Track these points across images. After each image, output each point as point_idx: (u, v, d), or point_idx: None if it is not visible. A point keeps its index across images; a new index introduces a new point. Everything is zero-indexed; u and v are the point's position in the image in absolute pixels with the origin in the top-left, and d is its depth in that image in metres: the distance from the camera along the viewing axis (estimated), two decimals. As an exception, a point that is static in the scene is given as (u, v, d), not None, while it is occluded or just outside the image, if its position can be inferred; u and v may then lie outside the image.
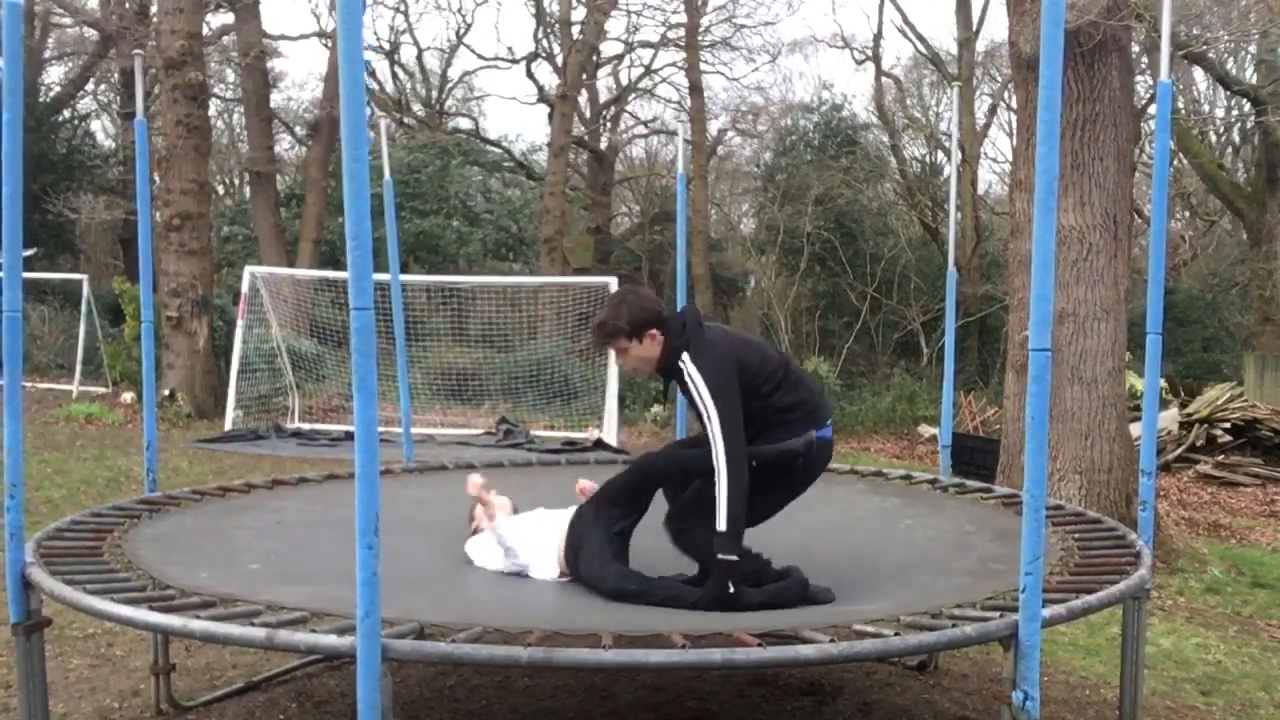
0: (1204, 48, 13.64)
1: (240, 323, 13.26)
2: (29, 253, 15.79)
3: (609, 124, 26.49)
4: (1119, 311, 6.70)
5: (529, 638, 2.56)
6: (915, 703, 4.09)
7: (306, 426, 13.11)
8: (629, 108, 26.98)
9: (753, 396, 3.38)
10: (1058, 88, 2.44)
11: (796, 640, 2.64)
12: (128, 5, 19.40)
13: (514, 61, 25.17)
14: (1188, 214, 22.92)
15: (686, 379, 3.37)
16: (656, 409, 15.19)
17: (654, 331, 3.47)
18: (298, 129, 25.58)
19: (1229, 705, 4.31)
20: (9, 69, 2.96)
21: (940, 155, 23.75)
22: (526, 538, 3.61)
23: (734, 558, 3.20)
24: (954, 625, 2.69)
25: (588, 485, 3.81)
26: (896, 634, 2.62)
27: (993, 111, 23.94)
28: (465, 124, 27.80)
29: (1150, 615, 5.15)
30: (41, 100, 23.37)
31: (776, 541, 3.53)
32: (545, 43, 24.40)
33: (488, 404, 14.70)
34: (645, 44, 24.48)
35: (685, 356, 3.39)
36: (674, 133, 24.51)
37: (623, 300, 3.55)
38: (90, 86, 25.66)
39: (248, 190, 21.28)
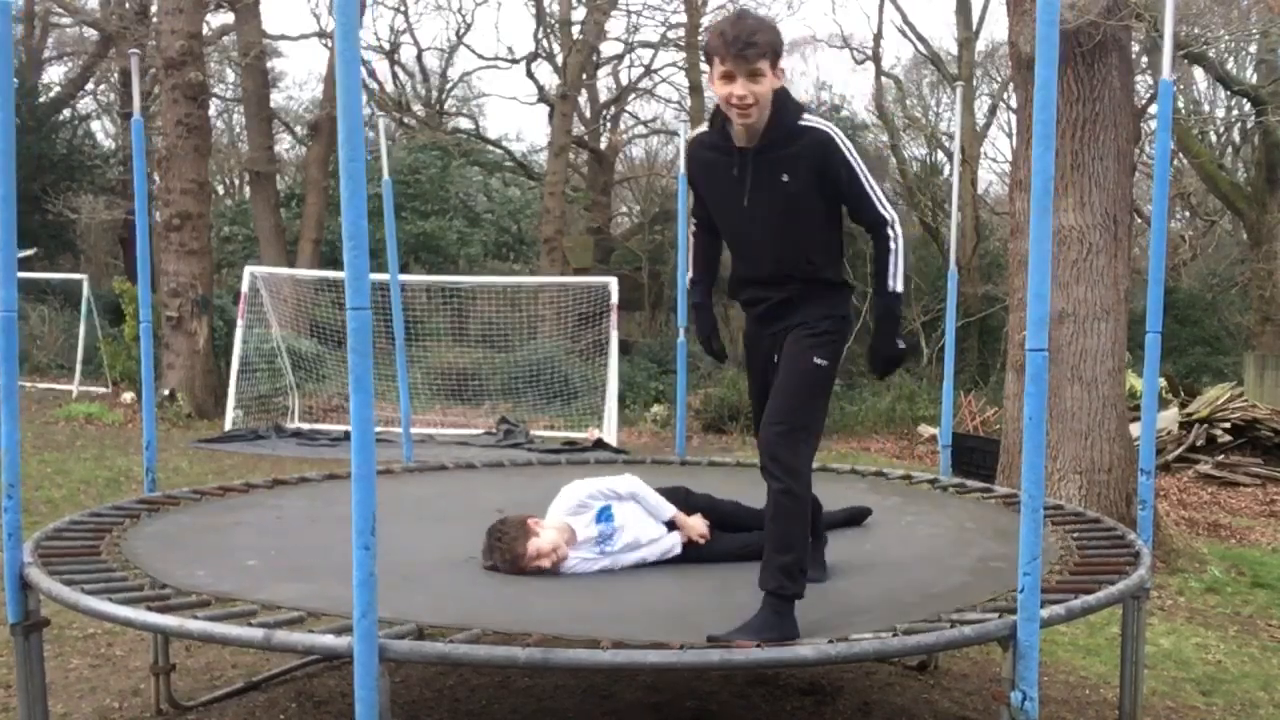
0: (1204, 48, 13.64)
1: (240, 323, 13.26)
2: (29, 253, 15.79)
3: (609, 124, 26.50)
4: (1119, 311, 6.70)
5: (527, 639, 2.56)
6: (915, 703, 4.09)
7: (306, 426, 13.11)
8: (629, 108, 27.00)
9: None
10: (1054, 88, 2.43)
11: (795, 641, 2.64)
12: (128, 5, 19.42)
13: (514, 61, 25.18)
14: (1188, 214, 22.94)
15: (839, 153, 3.00)
16: (656, 409, 15.19)
17: (782, 67, 2.98)
18: (298, 129, 25.59)
19: (1229, 705, 4.31)
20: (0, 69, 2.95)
21: (940, 155, 23.78)
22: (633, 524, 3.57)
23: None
24: (953, 626, 2.69)
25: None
26: (895, 634, 2.62)
27: (993, 111, 23.99)
28: (465, 124, 27.83)
29: (1150, 615, 5.15)
30: (41, 100, 23.37)
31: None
32: (545, 43, 24.42)
33: (488, 404, 14.70)
34: (645, 44, 24.51)
35: (829, 127, 3.01)
36: (674, 133, 24.51)
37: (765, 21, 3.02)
38: (90, 86, 25.69)
39: (248, 190, 21.28)
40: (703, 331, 3.44)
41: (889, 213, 3.04)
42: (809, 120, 2.99)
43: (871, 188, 3.03)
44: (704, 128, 3.16)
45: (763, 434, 3.03)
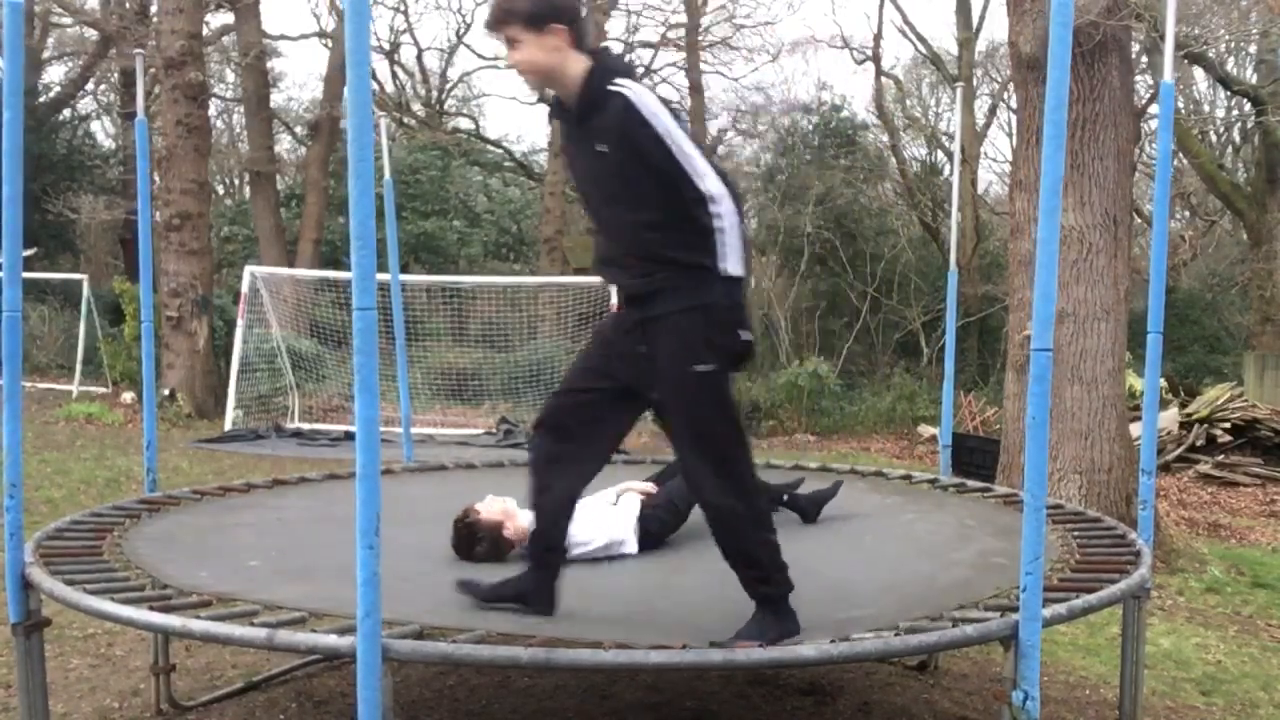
0: (1204, 48, 13.64)
1: (240, 323, 13.26)
2: (29, 253, 15.79)
3: (609, 124, 26.47)
4: (1119, 311, 6.70)
5: (530, 639, 2.56)
6: (915, 702, 4.09)
7: (306, 426, 13.11)
8: (629, 108, 26.96)
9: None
10: (1066, 89, 2.41)
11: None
12: (128, 5, 19.40)
13: (514, 62, 25.12)
14: (1188, 214, 22.92)
15: (640, 119, 2.63)
16: (656, 409, 15.17)
17: (559, 27, 2.69)
18: (298, 129, 25.58)
19: (1229, 705, 4.31)
20: (10, 69, 2.96)
21: (940, 155, 23.76)
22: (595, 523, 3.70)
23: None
24: (954, 625, 2.69)
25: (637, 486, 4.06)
26: (897, 634, 2.62)
27: (993, 111, 23.96)
28: (465, 124, 27.81)
29: (1150, 615, 5.16)
30: (41, 100, 23.36)
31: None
32: (545, 43, 24.37)
33: (488, 404, 14.70)
34: (645, 44, 24.45)
35: (630, 90, 2.65)
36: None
37: None
38: (90, 86, 25.66)
39: (248, 190, 21.27)
40: None
41: (706, 187, 2.63)
42: (617, 85, 2.68)
43: (684, 158, 2.63)
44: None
45: (683, 467, 2.93)
